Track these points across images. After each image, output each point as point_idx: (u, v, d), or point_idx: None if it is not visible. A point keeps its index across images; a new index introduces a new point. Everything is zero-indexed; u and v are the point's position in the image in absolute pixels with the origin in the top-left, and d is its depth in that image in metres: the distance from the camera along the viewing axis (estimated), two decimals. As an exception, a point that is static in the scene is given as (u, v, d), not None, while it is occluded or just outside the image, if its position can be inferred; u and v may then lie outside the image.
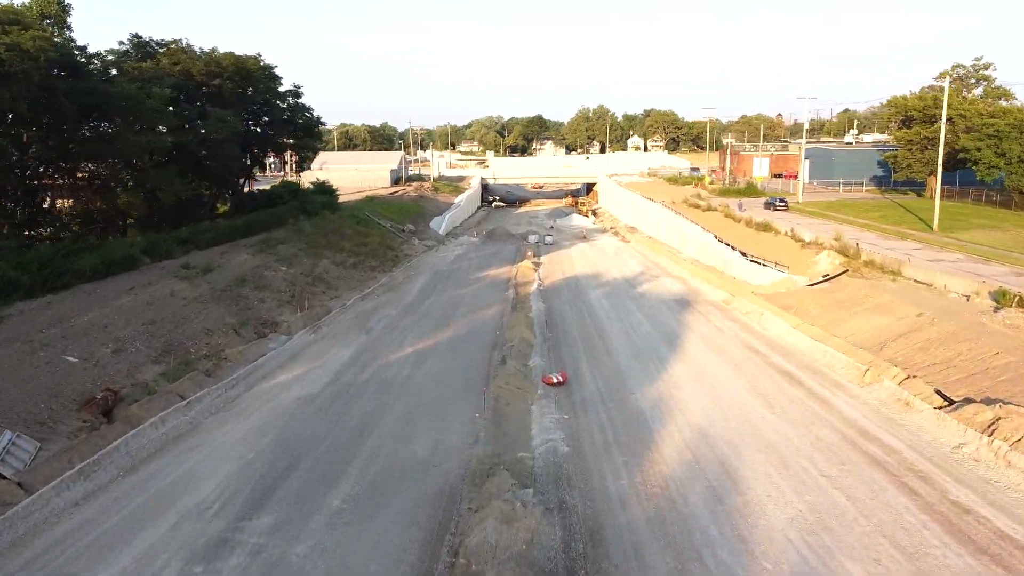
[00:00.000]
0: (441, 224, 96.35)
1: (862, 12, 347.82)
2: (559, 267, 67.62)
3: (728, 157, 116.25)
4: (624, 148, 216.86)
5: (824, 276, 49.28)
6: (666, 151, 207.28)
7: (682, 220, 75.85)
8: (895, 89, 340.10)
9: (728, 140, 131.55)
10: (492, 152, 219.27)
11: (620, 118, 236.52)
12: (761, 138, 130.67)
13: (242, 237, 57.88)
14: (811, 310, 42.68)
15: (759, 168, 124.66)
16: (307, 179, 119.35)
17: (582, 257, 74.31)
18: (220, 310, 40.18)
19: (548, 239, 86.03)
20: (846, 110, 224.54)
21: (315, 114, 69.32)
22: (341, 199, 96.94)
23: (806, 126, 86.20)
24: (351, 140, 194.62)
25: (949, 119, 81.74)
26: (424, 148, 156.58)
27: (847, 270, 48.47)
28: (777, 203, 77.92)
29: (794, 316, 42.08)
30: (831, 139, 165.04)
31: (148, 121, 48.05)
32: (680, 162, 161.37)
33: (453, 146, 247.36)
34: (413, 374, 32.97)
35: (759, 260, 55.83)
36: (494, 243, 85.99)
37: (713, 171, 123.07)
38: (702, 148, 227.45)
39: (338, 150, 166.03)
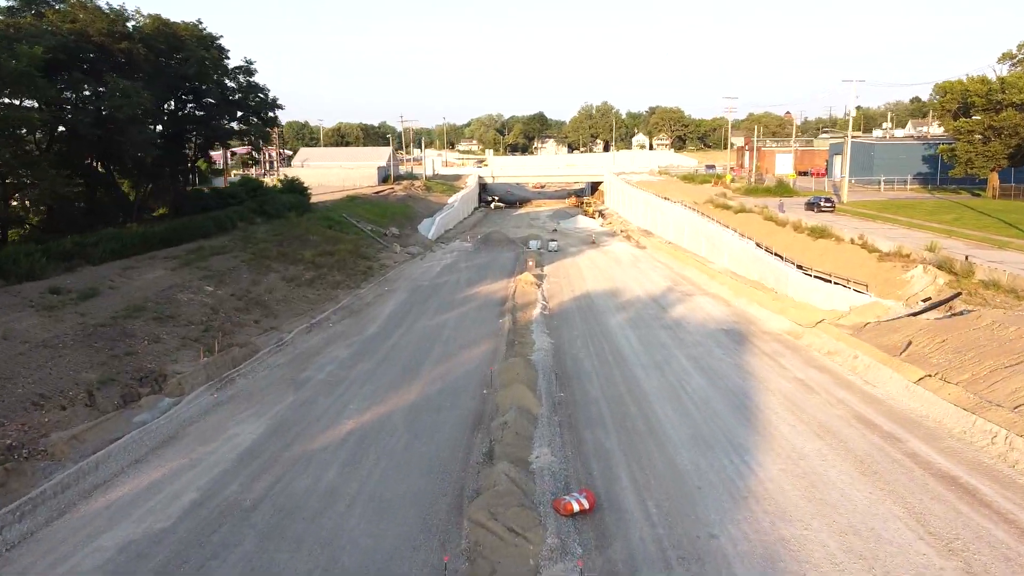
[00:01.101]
0: (430, 227, 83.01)
1: (862, 12, 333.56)
2: (567, 281, 54.21)
3: (754, 153, 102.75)
4: (629, 146, 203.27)
5: (927, 301, 35.89)
6: (672, 149, 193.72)
7: (712, 224, 62.42)
8: (891, 89, 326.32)
9: (754, 136, 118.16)
10: (491, 151, 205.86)
11: (624, 116, 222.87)
12: (794, 133, 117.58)
13: (166, 247, 44.56)
14: (930, 355, 29.23)
15: (782, 165, 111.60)
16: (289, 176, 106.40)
17: (593, 268, 60.90)
18: (80, 359, 26.77)
19: (552, 245, 72.61)
20: (858, 107, 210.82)
21: (270, 95, 55.89)
22: (322, 198, 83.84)
23: (853, 113, 72.61)
24: (344, 138, 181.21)
25: (1018, 105, 68.49)
26: (422, 147, 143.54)
27: (959, 293, 35.11)
28: (822, 203, 64.51)
29: (908, 363, 28.70)
30: (858, 134, 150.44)
31: (22, 92, 34.73)
32: (688, 160, 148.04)
33: (452, 145, 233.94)
34: (339, 487, 19.48)
35: (826, 276, 42.43)
36: (490, 249, 72.61)
37: (733, 168, 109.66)
38: (710, 147, 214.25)
39: (325, 147, 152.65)
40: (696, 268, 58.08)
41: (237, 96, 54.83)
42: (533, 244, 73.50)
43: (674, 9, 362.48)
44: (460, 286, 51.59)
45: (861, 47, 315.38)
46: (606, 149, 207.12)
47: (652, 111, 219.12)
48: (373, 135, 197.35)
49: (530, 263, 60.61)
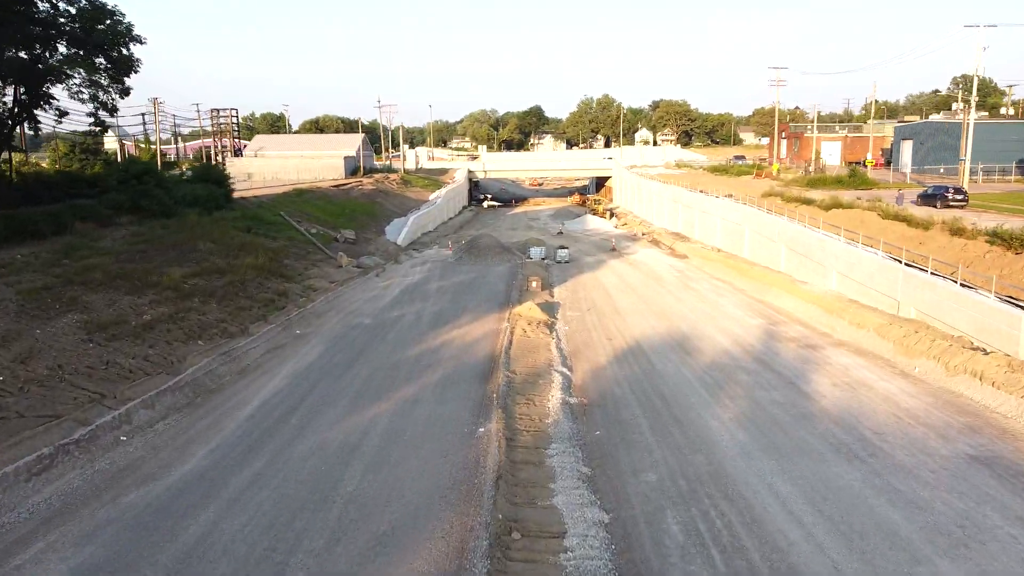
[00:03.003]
0: (401, 230, 61.41)
1: (863, 9, 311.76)
2: (595, 316, 32.56)
3: (811, 140, 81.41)
4: (631, 142, 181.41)
5: None
6: (679, 145, 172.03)
7: (795, 225, 40.92)
8: (912, 81, 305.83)
9: (813, 121, 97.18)
10: (484, 147, 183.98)
11: (624, 111, 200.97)
12: (872, 114, 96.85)
13: None
14: None
15: (829, 154, 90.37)
16: (235, 170, 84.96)
17: (626, 289, 39.30)
18: None
19: (561, 254, 50.93)
20: (876, 101, 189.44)
21: (125, 21, 33.98)
22: (268, 192, 62.22)
23: (978, 72, 50.49)
24: (323, 130, 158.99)
25: None
26: (401, 142, 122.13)
27: None
28: (950, 195, 43.62)
29: None
30: (913, 118, 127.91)
31: None
32: (698, 157, 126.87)
33: (444, 143, 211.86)
34: None
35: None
36: (476, 260, 50.99)
37: (779, 158, 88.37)
38: (717, 143, 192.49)
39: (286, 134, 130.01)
40: (786, 292, 36.56)
41: (74, 25, 33.04)
42: (535, 252, 51.90)
43: (672, 3, 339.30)
44: (419, 329, 29.85)
45: (862, 43, 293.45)
46: (607, 145, 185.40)
47: (655, 105, 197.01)
48: (355, 128, 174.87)
49: (533, 283, 38.96)
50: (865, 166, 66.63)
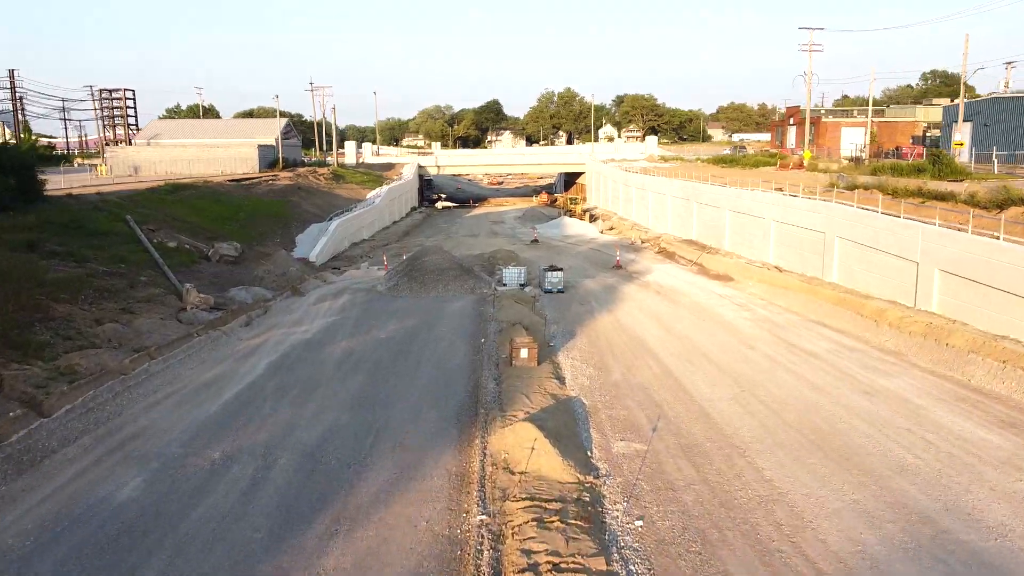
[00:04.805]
0: (317, 241, 41.92)
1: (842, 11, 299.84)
2: (687, 460, 13.74)
3: (867, 124, 64.21)
4: (595, 139, 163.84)
5: None
6: (644, 141, 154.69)
7: (974, 239, 22.87)
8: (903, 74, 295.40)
9: (872, 102, 79.57)
10: (439, 144, 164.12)
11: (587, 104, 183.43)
12: (962, 83, 78.85)
13: None
14: None
15: (851, 141, 73.48)
16: (117, 162, 64.34)
17: (694, 356, 20.64)
18: None
19: (553, 278, 31.81)
20: (845, 96, 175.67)
21: None
22: (132, 187, 42.09)
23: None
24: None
25: None
26: (360, 144, 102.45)
27: None
28: None
29: None
30: (944, 100, 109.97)
31: None
32: (680, 152, 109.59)
33: (396, 141, 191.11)
34: None
35: None
36: (420, 289, 31.85)
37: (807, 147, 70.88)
38: (684, 139, 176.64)
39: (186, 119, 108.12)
40: (1000, 362, 18.46)
41: None
42: (511, 276, 32.86)
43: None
44: (238, 547, 10.69)
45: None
46: (569, 141, 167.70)
47: (620, 100, 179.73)
48: (299, 126, 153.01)
49: (523, 351, 19.79)
50: (951, 150, 49.44)
